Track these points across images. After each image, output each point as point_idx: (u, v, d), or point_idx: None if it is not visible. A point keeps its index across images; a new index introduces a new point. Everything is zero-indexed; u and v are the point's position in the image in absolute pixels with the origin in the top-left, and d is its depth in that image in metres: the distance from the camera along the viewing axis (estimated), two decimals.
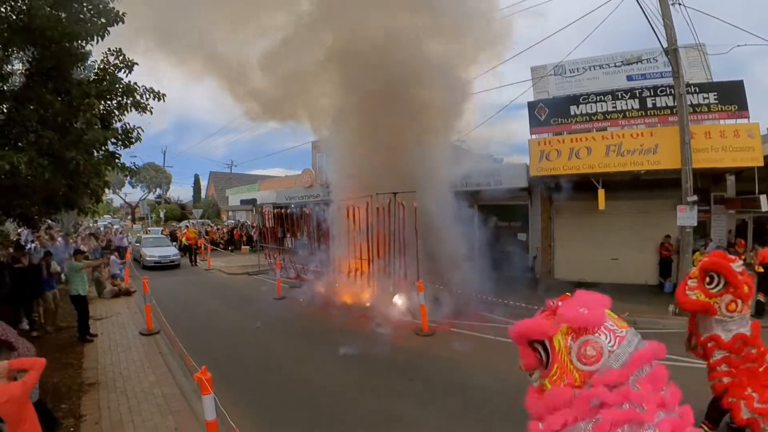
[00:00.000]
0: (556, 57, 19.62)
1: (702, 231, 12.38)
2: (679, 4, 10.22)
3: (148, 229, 29.62)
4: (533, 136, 13.18)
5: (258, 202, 25.44)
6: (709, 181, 12.10)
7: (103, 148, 4.70)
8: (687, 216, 9.84)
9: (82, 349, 7.71)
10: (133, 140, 4.75)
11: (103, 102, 4.62)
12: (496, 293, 10.88)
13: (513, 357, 5.66)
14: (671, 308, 9.40)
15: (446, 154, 14.31)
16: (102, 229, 27.87)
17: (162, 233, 25.85)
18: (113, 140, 4.61)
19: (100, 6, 4.19)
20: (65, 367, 6.76)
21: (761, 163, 9.98)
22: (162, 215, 44.43)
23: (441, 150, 13.66)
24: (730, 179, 12.08)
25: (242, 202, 30.25)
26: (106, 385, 6.16)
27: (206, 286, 14.33)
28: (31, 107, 4.29)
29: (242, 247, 25.94)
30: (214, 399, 3.93)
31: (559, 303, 2.16)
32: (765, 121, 14.13)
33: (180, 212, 52.22)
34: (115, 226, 29.24)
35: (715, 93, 11.35)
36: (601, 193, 11.28)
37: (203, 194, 59.03)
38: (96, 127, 4.27)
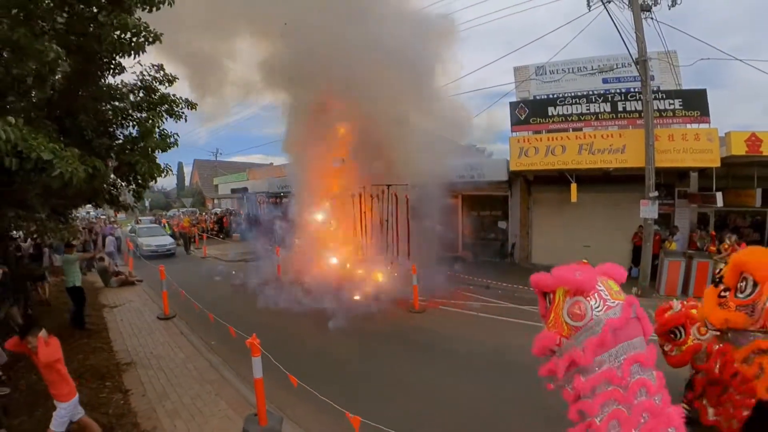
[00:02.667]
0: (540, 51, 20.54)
1: (667, 222, 13.63)
2: (651, 19, 11.25)
3: (139, 219, 29.83)
4: (514, 134, 14.16)
5: (249, 191, 26.01)
6: (674, 177, 13.23)
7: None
8: (649, 209, 10.95)
9: (107, 335, 8.37)
10: (171, 145, 5.43)
11: (141, 112, 5.36)
12: (478, 276, 12.27)
13: (492, 329, 7.03)
14: (634, 290, 10.75)
15: (434, 148, 15.30)
16: (94, 220, 28.04)
17: (161, 223, 26.36)
18: (152, 145, 5.27)
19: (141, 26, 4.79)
20: (96, 350, 7.43)
21: (718, 164, 11.09)
22: (147, 204, 44.27)
23: (428, 143, 14.64)
24: (694, 176, 13.23)
25: (233, 190, 30.70)
26: (142, 364, 6.93)
27: (207, 272, 14.97)
28: (81, 116, 5.00)
29: (233, 235, 26.52)
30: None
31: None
32: (725, 126, 15.32)
33: (165, 201, 52.08)
34: (102, 217, 29.39)
35: (681, 100, 12.48)
36: (573, 187, 12.34)
37: (187, 182, 58.69)
38: (155, 137, 5.04)
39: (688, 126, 12.50)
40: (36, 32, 3.35)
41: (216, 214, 32.10)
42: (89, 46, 4.16)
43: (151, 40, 4.67)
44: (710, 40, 19.05)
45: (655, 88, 13.14)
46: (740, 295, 3.98)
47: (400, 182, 13.89)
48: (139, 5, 4.27)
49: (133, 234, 21.51)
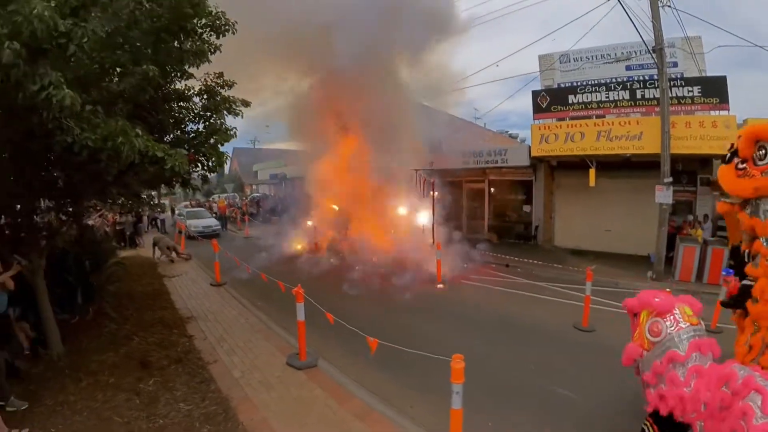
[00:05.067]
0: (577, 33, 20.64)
1: (688, 209, 13.92)
2: (669, 6, 11.50)
3: (191, 201, 31.93)
4: (536, 121, 14.80)
5: (287, 176, 27.60)
6: (696, 164, 13.41)
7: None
8: (664, 195, 11.38)
9: (170, 297, 9.88)
10: (231, 137, 6.62)
11: (207, 111, 6.61)
12: (502, 255, 13.31)
13: (506, 301, 8.28)
14: (650, 274, 11.24)
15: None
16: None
17: (206, 206, 28.40)
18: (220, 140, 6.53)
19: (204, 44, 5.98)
20: (162, 308, 8.94)
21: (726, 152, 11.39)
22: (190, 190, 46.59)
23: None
24: (717, 163, 13.22)
25: (272, 176, 32.46)
26: (201, 318, 8.38)
27: (250, 248, 16.32)
28: (160, 115, 6.24)
29: (272, 218, 28.18)
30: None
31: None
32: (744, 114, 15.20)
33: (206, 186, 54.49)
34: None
35: (699, 87, 12.66)
36: (591, 172, 12.94)
37: (227, 169, 61.12)
38: (230, 132, 6.30)
39: (712, 113, 12.58)
40: (137, 57, 4.55)
41: (254, 198, 33.98)
42: (169, 62, 5.37)
43: (212, 51, 5.90)
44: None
45: (678, 75, 13.43)
46: (761, 163, 4.09)
47: (427, 166, 14.96)
48: (212, 34, 5.46)
49: (181, 216, 23.37)
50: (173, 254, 14.87)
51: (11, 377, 5.57)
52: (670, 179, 11.38)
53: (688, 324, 3.59)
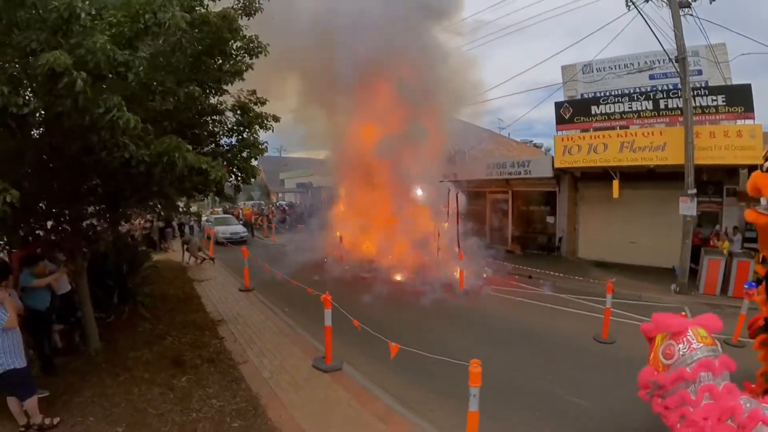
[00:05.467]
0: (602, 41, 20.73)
1: (714, 221, 13.69)
2: (691, 15, 11.45)
3: (215, 209, 32.90)
4: (559, 133, 14.88)
5: (314, 185, 28.26)
6: (723, 174, 13.20)
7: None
8: (687, 206, 11.28)
9: (200, 301, 10.33)
10: (263, 152, 7.08)
11: (240, 126, 7.06)
12: (524, 266, 13.38)
13: (527, 311, 8.46)
14: (674, 287, 11.13)
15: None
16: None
17: (233, 213, 29.25)
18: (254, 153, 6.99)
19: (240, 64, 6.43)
20: (193, 311, 9.37)
21: (761, 161, 11.22)
22: (215, 198, 47.81)
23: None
24: (744, 173, 12.97)
25: (298, 185, 33.24)
26: (231, 321, 8.77)
27: (277, 255, 16.79)
28: (196, 129, 6.71)
29: (298, 226, 28.82)
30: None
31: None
32: None
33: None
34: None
35: (724, 96, 12.57)
36: (615, 183, 12.95)
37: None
38: (261, 146, 6.75)
39: (739, 122, 12.50)
40: (179, 78, 4.98)
41: (280, 206, 34.73)
42: (207, 81, 5.81)
43: (245, 68, 6.34)
44: None
45: (703, 83, 13.34)
46: None
47: (451, 177, 15.19)
48: (247, 55, 5.89)
49: (209, 223, 24.11)
50: (201, 254, 15.52)
51: (48, 371, 6.12)
52: (694, 191, 11.31)
53: (701, 345, 3.66)
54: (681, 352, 3.67)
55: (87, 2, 3.92)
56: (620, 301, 10.04)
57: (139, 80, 4.02)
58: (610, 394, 5.87)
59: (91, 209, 7.18)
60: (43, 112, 4.17)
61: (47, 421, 4.79)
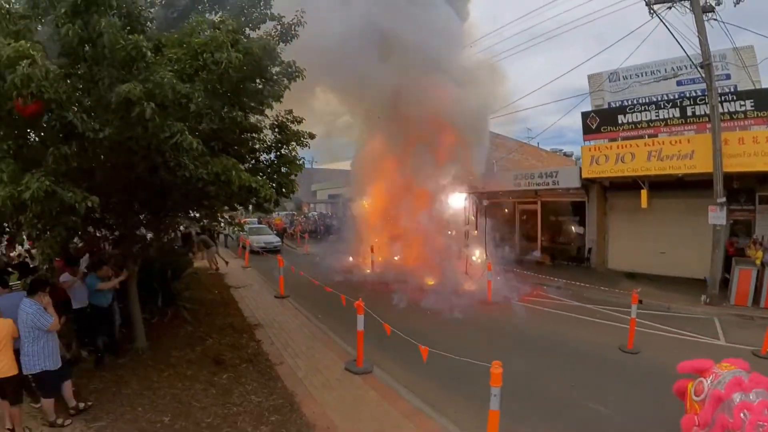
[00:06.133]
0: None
1: (748, 229, 13.29)
2: (715, 20, 11.34)
3: (245, 219, 33.96)
4: (586, 143, 14.94)
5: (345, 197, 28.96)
6: (754, 181, 12.83)
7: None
8: (717, 215, 11.13)
9: (237, 306, 10.94)
10: (301, 168, 7.61)
11: (279, 143, 7.62)
12: (553, 277, 13.47)
13: (556, 322, 8.67)
14: (704, 298, 10.99)
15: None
16: None
17: (263, 222, 30.24)
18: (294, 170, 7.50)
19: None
20: (231, 315, 10.00)
21: None
22: (250, 208, 49.17)
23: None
24: None
25: (330, 196, 34.09)
26: (267, 326, 9.33)
27: (311, 264, 17.40)
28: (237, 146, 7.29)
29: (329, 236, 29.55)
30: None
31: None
32: None
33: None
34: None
35: (752, 100, 12.39)
36: (643, 193, 12.89)
37: None
38: (299, 162, 7.32)
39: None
40: (223, 102, 5.56)
41: (311, 217, 35.64)
42: (249, 103, 6.41)
43: (283, 92, 6.90)
44: None
45: (731, 88, 13.16)
46: None
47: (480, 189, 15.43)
48: (285, 79, 6.49)
49: (244, 233, 25.01)
50: (216, 260, 16.37)
51: (100, 364, 6.80)
52: (724, 199, 11.15)
53: (726, 371, 3.85)
54: (710, 382, 3.84)
55: (149, 42, 4.52)
56: (648, 312, 10.08)
57: (198, 108, 4.57)
58: (632, 402, 6.03)
59: (145, 219, 7.83)
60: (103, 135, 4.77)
61: (59, 421, 5.19)
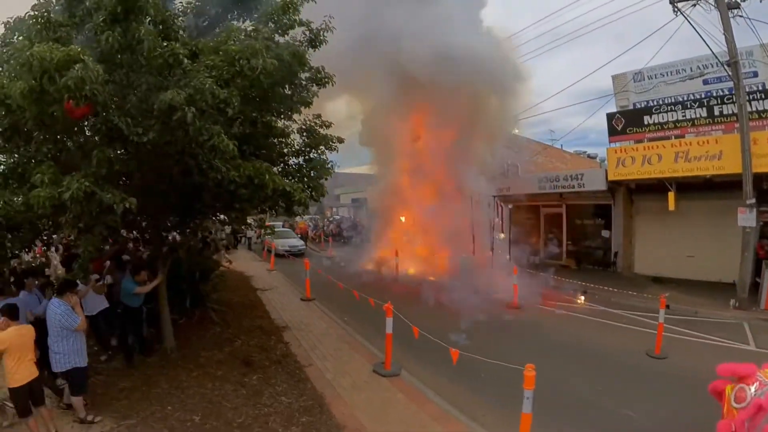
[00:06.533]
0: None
1: None
2: (741, 16, 11.09)
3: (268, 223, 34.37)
4: (612, 144, 14.74)
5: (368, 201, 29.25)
6: None
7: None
8: (746, 217, 10.87)
9: (264, 308, 11.09)
10: (331, 172, 7.66)
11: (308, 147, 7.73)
12: (580, 281, 13.32)
13: (582, 327, 8.49)
14: (733, 302, 10.72)
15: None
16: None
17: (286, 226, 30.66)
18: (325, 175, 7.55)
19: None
20: (260, 317, 10.15)
21: None
22: (274, 211, 49.82)
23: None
24: None
25: (353, 200, 34.37)
26: (295, 328, 9.42)
27: (335, 267, 17.49)
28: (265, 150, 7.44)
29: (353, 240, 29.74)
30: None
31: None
32: None
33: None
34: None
35: None
36: (671, 195, 12.64)
37: None
38: (328, 166, 7.41)
39: None
40: (254, 107, 5.72)
41: (334, 221, 36.02)
42: (280, 108, 6.54)
43: (312, 98, 7.02)
44: None
45: (759, 86, 12.85)
46: None
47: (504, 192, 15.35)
48: (315, 85, 6.62)
49: (270, 236, 25.37)
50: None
51: (129, 362, 6.99)
52: (753, 200, 10.89)
53: None
54: (753, 391, 3.66)
55: (184, 48, 4.67)
56: (675, 317, 9.91)
57: (234, 113, 4.70)
58: (661, 407, 5.96)
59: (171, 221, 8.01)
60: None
61: (89, 417, 5.34)
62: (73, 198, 4.17)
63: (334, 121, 8.03)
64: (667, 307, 8.19)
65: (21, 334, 4.67)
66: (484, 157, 15.16)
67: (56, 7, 5.32)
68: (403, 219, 16.72)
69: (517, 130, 17.91)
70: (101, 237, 5.20)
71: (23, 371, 4.61)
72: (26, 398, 4.69)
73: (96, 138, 4.97)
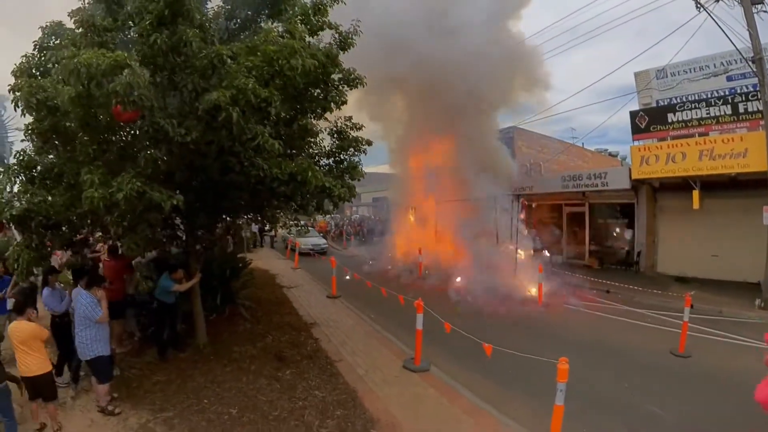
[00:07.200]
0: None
1: None
2: (765, 12, 10.97)
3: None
4: (635, 142, 14.62)
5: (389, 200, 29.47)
6: None
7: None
8: None
9: (291, 305, 11.25)
10: (361, 174, 7.70)
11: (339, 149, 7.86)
12: (603, 281, 13.23)
13: (605, 326, 8.53)
14: (758, 302, 10.55)
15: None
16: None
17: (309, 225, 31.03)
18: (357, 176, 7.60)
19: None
20: (287, 314, 10.30)
21: None
22: (311, 208, 50.62)
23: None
24: None
25: (374, 199, 34.58)
26: (323, 324, 9.55)
27: (358, 265, 17.54)
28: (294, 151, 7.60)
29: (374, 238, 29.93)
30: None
31: None
32: None
33: None
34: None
35: None
36: (695, 193, 12.51)
37: None
38: (359, 168, 7.51)
39: None
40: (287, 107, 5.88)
41: (354, 220, 36.32)
42: (313, 108, 6.71)
43: (344, 100, 7.16)
44: None
45: None
46: None
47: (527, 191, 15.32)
48: (346, 86, 6.79)
49: (290, 235, 25.66)
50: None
51: (162, 356, 7.18)
52: None
53: None
54: None
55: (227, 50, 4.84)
56: (700, 316, 9.81)
57: (276, 112, 4.87)
58: (686, 404, 5.98)
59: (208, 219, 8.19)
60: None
61: (110, 407, 5.52)
62: (126, 197, 4.35)
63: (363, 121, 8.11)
64: (691, 306, 8.13)
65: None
66: (505, 158, 15.11)
67: (97, 12, 5.54)
68: (411, 218, 16.76)
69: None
70: (144, 234, 5.38)
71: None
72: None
73: (144, 140, 5.15)
